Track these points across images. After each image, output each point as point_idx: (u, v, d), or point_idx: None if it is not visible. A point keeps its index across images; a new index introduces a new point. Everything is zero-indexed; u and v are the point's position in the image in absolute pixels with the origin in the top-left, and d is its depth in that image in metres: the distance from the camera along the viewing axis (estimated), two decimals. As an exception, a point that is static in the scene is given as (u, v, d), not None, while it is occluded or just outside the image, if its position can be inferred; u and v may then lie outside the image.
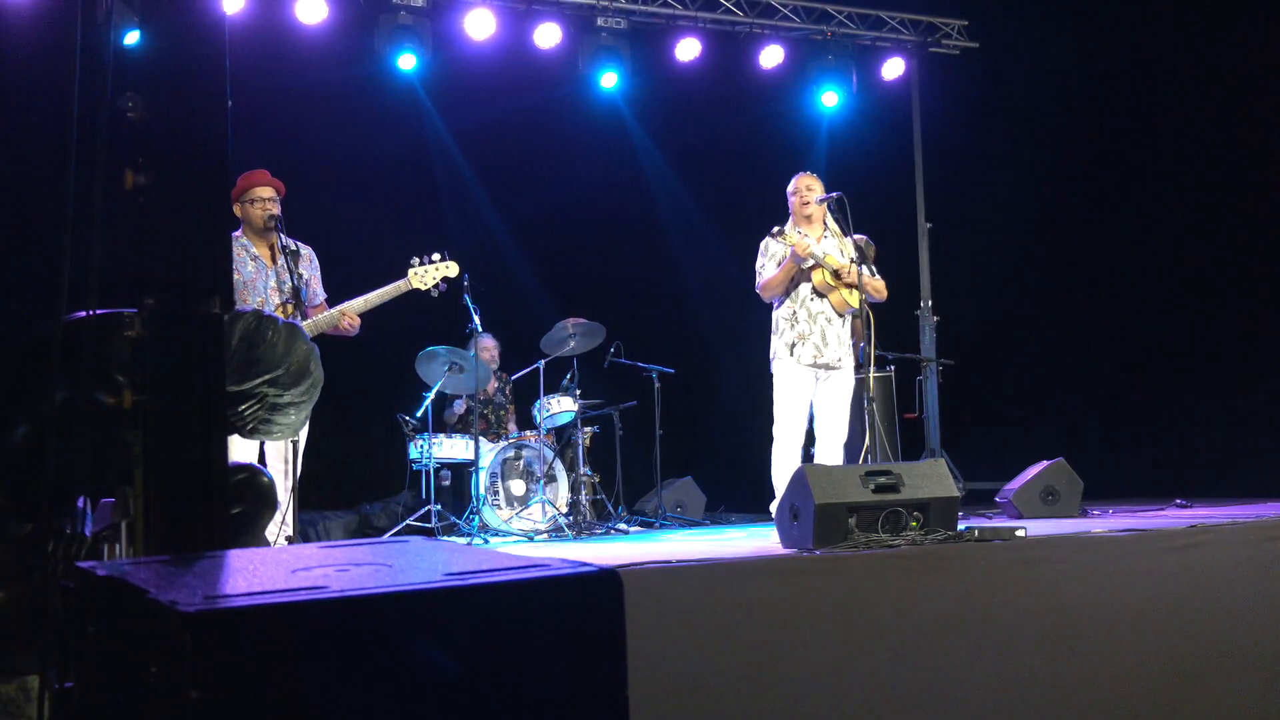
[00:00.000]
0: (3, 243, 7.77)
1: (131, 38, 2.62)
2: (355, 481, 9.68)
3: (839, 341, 6.95)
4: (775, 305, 7.06)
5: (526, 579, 1.66)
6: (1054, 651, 4.70)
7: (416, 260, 6.82)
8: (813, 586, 4.38)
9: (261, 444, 5.79)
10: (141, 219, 2.47)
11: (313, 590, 1.63)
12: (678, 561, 4.34)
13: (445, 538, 7.85)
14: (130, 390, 2.51)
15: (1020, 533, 5.11)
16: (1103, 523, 6.03)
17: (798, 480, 5.08)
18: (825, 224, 7.08)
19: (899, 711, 4.38)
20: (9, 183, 7.60)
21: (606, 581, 1.70)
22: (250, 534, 3.17)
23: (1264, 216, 11.30)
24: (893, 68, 11.14)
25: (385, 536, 7.94)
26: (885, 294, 7.12)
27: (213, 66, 2.56)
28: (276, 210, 6.30)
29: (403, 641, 1.58)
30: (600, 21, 10.06)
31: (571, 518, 8.43)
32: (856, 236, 7.06)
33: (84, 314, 2.69)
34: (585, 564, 1.75)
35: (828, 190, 7.04)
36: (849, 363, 7.01)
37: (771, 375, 7.07)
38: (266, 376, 3.23)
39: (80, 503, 2.66)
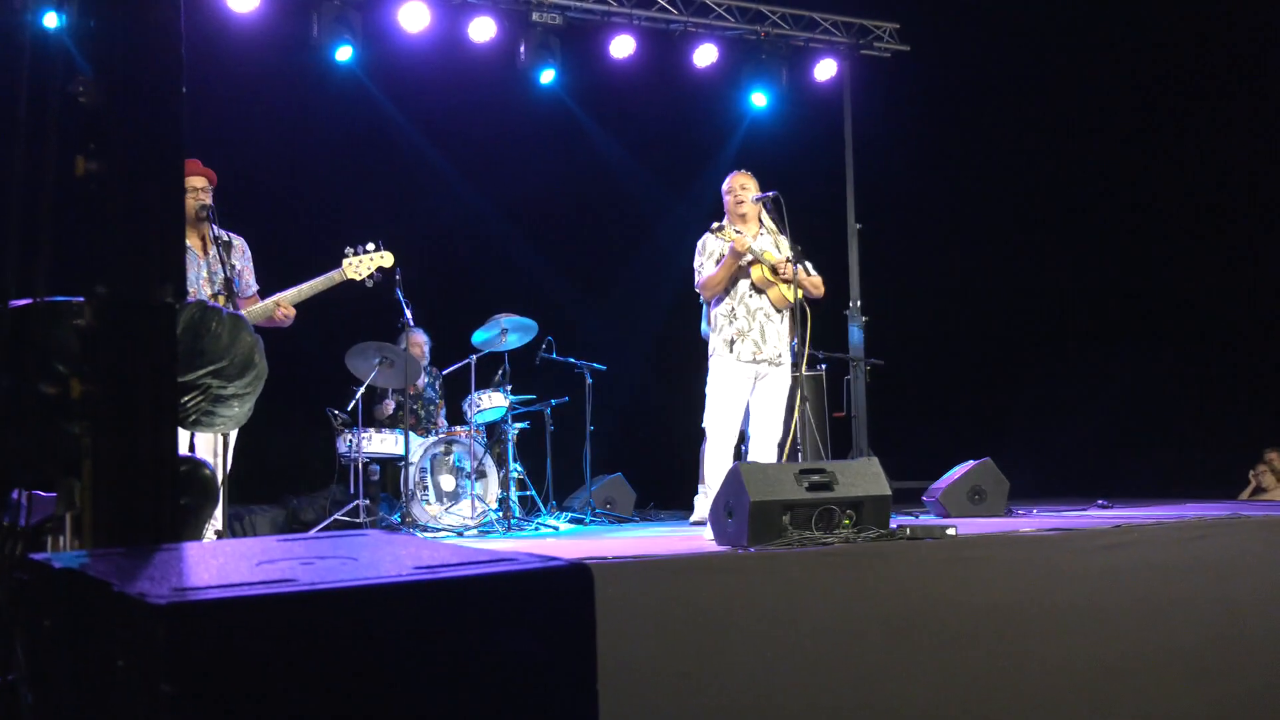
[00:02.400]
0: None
1: (82, 20, 2.55)
2: (282, 476, 9.57)
3: (778, 337, 6.98)
4: (714, 303, 7.07)
5: (497, 573, 1.66)
6: (985, 648, 4.76)
7: (351, 250, 6.77)
8: (748, 584, 4.40)
9: (191, 436, 5.71)
10: (93, 206, 2.43)
11: (282, 583, 1.61)
12: (612, 558, 4.32)
13: (374, 530, 7.79)
14: (78, 380, 2.46)
15: (951, 531, 5.15)
16: (1029, 522, 6.11)
17: (733, 478, 5.09)
18: (760, 221, 7.10)
19: (834, 708, 4.42)
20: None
21: (577, 576, 1.70)
22: (193, 527, 3.14)
23: (1187, 220, 11.55)
24: (825, 69, 11.22)
25: (314, 531, 7.89)
26: (822, 290, 7.15)
27: (168, 50, 2.52)
28: (208, 200, 6.21)
29: (375, 635, 1.57)
30: (535, 17, 10.04)
31: (501, 513, 8.40)
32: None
33: (27, 301, 2.65)
34: (554, 558, 1.75)
35: (762, 189, 7.07)
36: (787, 359, 7.03)
37: (708, 371, 7.06)
38: (211, 368, 3.19)
39: (16, 495, 2.61)
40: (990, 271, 11.67)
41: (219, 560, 1.88)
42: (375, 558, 1.87)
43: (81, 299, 2.50)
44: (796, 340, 7.09)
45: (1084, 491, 8.44)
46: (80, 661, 1.80)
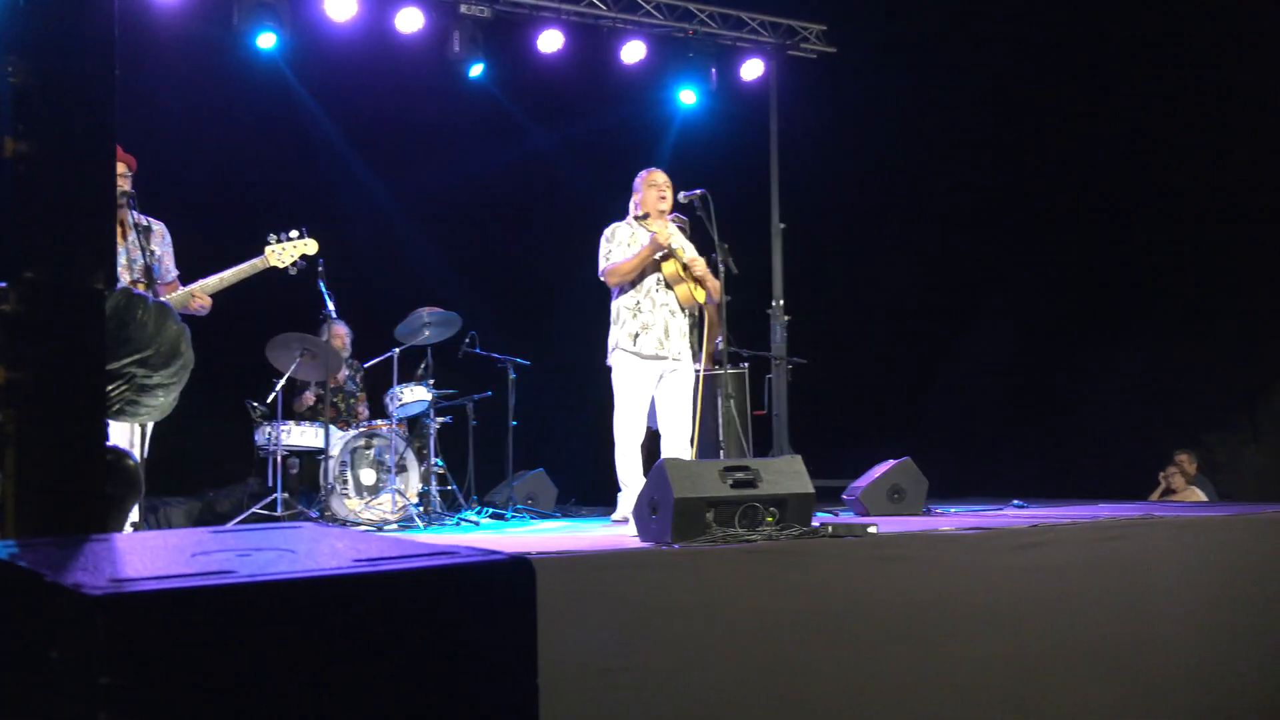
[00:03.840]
0: None
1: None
2: (198, 467, 9.44)
3: (681, 335, 6.96)
4: (616, 294, 7.03)
5: (438, 565, 1.65)
6: (907, 644, 4.82)
7: (274, 237, 6.71)
8: (671, 580, 4.42)
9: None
10: (21, 188, 2.38)
11: (220, 575, 1.59)
12: (537, 553, 4.32)
13: (309, 523, 7.72)
14: (2, 367, 2.42)
15: (872, 529, 5.19)
16: (948, 521, 6.18)
17: (658, 475, 5.10)
18: (669, 220, 7.07)
19: (756, 703, 4.45)
20: None
21: (518, 569, 1.70)
22: (116, 518, 3.09)
23: (1105, 223, 11.76)
24: (752, 68, 11.27)
25: (231, 524, 7.80)
26: (720, 295, 7.13)
27: (100, 31, 2.47)
28: (127, 186, 6.11)
29: (317, 627, 1.56)
30: (464, 9, 9.99)
31: (422, 508, 8.38)
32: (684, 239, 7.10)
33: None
34: (496, 551, 1.74)
35: (689, 187, 7.05)
36: (689, 357, 7.00)
37: (609, 368, 7.06)
38: (136, 356, 3.14)
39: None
40: (912, 272, 11.81)
41: (153, 552, 1.85)
42: (313, 550, 1.85)
43: (5, 284, 2.46)
44: (720, 339, 7.12)
45: (1000, 490, 8.56)
46: (9, 653, 1.77)
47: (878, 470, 7.06)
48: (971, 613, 5.03)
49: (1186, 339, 11.84)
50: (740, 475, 5.13)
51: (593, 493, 10.11)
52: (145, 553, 1.83)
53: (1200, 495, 11.87)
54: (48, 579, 1.57)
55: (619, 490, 7.04)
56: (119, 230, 6.11)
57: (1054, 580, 5.31)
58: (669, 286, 6.89)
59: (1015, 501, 7.77)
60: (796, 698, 4.55)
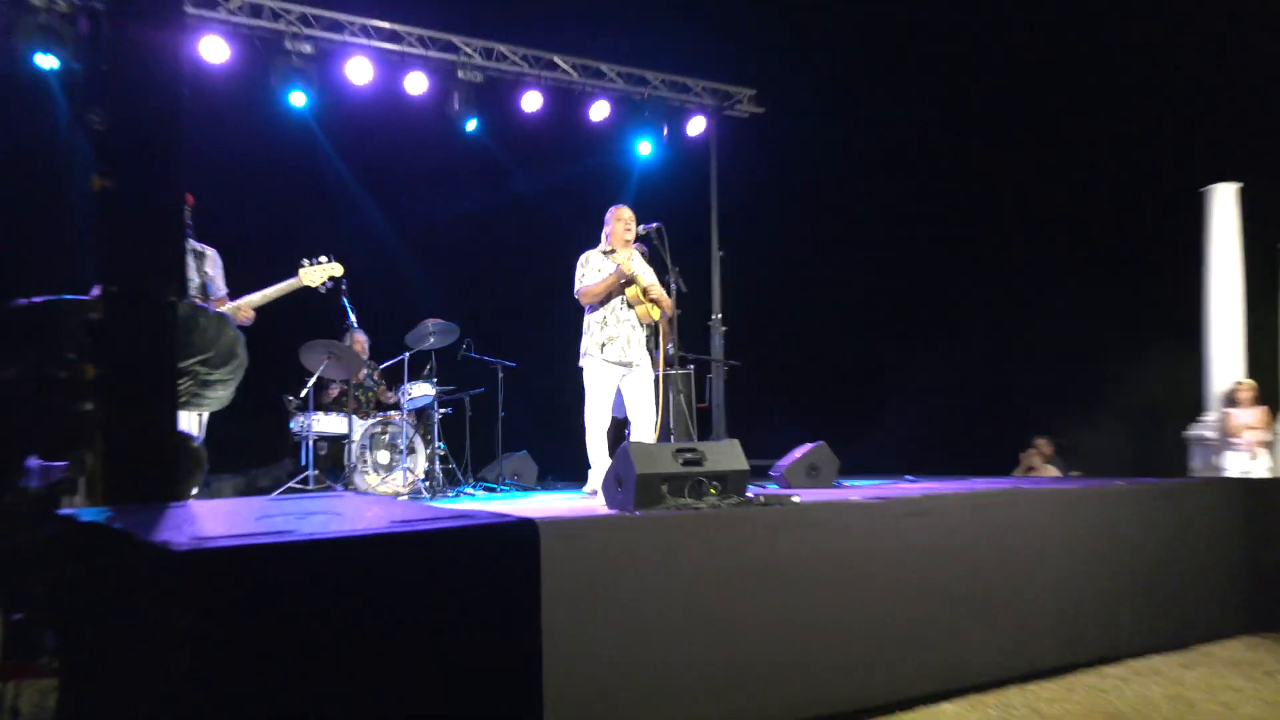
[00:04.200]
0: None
1: (97, 63, 2.50)
2: (243, 450, 9.37)
3: (639, 344, 7.01)
4: (589, 310, 7.04)
5: (461, 525, 1.67)
6: (821, 589, 4.87)
7: (307, 261, 6.69)
8: (634, 540, 4.45)
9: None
10: (106, 217, 2.38)
11: (283, 534, 1.59)
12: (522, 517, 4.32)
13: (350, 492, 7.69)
14: (90, 365, 2.41)
15: (795, 499, 5.22)
16: (854, 492, 6.20)
17: (623, 455, 5.12)
18: (634, 250, 7.13)
19: (702, 636, 4.49)
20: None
21: (525, 529, 1.72)
22: (184, 490, 3.08)
23: (984, 249, 11.94)
24: (696, 125, 11.33)
25: (272, 496, 7.75)
26: (672, 311, 7.19)
27: (171, 85, 2.48)
28: (185, 218, 6.08)
29: (362, 576, 1.57)
30: (460, 75, 9.98)
31: (428, 482, 8.35)
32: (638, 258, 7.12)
33: (36, 300, 2.59)
34: (506, 514, 1.76)
35: (645, 222, 7.11)
36: (646, 361, 7.05)
37: (581, 370, 7.06)
38: (199, 357, 3.14)
39: (31, 463, 2.55)
40: (827, 291, 11.90)
41: (224, 515, 1.86)
42: (356, 514, 1.86)
43: (92, 297, 2.46)
44: (671, 345, 7.15)
45: (895, 467, 8.62)
46: (103, 602, 1.76)
47: (798, 451, 7.07)
48: (873, 565, 5.08)
49: (1043, 350, 12.06)
50: (689, 455, 5.15)
51: (567, 471, 10.09)
52: (217, 516, 1.83)
53: (1054, 472, 12.05)
54: (139, 538, 1.58)
55: (589, 468, 7.06)
56: (179, 254, 6.07)
57: (939, 539, 5.36)
58: (630, 306, 6.95)
59: (907, 476, 7.82)
60: (734, 631, 4.59)
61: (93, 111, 2.45)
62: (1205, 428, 12.09)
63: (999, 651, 5.51)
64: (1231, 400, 11.38)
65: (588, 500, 6.62)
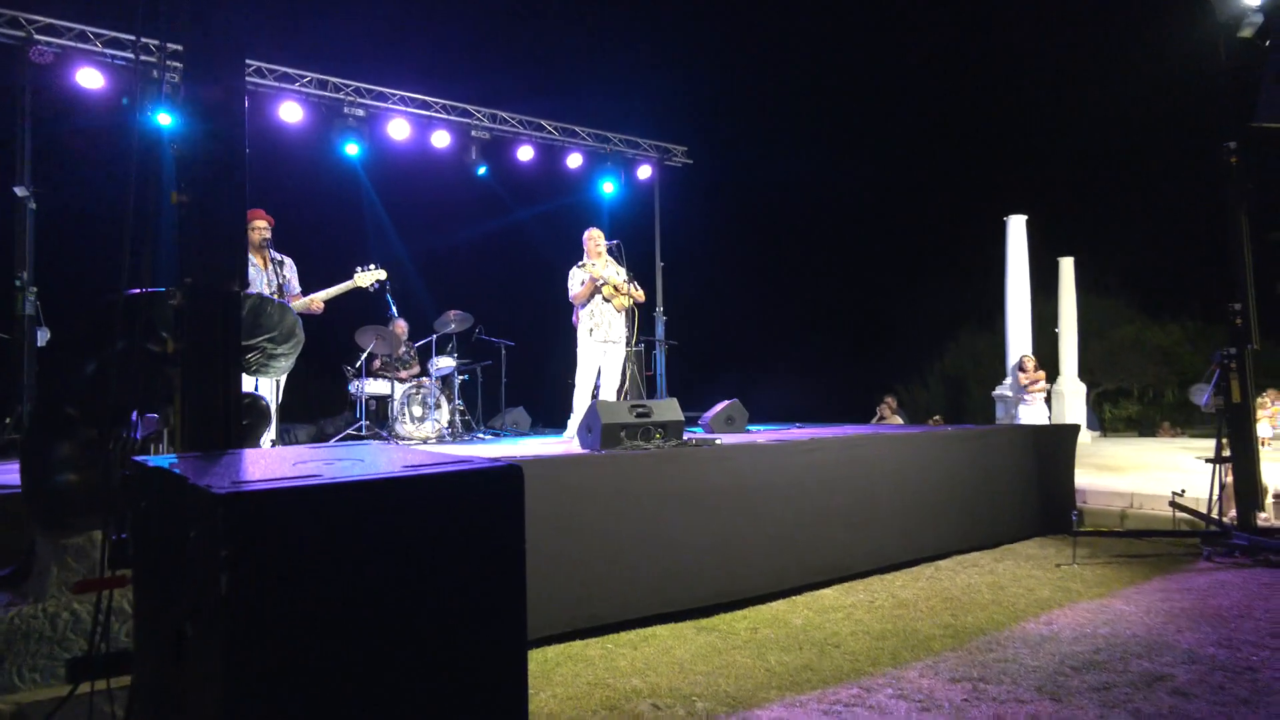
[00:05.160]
0: (79, 242, 7.04)
1: (180, 105, 2.26)
2: (315, 405, 9.13)
3: (618, 327, 6.89)
4: (581, 306, 6.91)
5: (461, 470, 1.49)
6: (738, 511, 4.78)
7: (360, 268, 6.42)
8: (601, 472, 4.34)
9: (256, 381, 5.34)
10: (185, 225, 2.16)
11: (311, 478, 1.43)
12: (520, 457, 4.20)
13: (374, 441, 7.46)
14: (172, 340, 2.19)
15: (718, 442, 5.13)
16: (761, 436, 6.11)
17: (592, 410, 4.99)
18: (606, 257, 6.98)
19: (650, 545, 4.37)
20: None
21: (513, 472, 1.53)
22: (253, 438, 2.87)
23: (855, 265, 11.89)
24: (644, 172, 11.13)
25: (334, 440, 7.49)
26: (644, 299, 7.06)
27: (234, 126, 2.24)
28: (268, 235, 5.83)
29: (377, 513, 1.39)
30: (474, 134, 9.69)
31: (450, 430, 8.13)
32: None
33: (138, 290, 2.37)
34: (498, 460, 1.58)
35: (608, 239, 6.98)
36: (624, 340, 6.92)
37: (576, 347, 6.93)
38: (266, 336, 2.94)
39: (133, 416, 2.34)
40: (740, 291, 11.86)
41: (266, 462, 1.66)
42: (375, 460, 1.67)
43: (175, 287, 2.24)
44: (629, 329, 7.00)
45: (787, 418, 8.54)
46: (165, 531, 1.57)
47: (718, 406, 6.99)
48: (775, 492, 5.00)
49: (890, 333, 12.07)
50: (641, 410, 5.03)
51: (551, 420, 9.92)
52: (261, 463, 1.64)
53: (900, 420, 12.01)
54: (190, 481, 1.39)
55: (568, 417, 6.90)
56: (263, 262, 5.79)
57: (823, 472, 5.28)
58: (608, 300, 6.82)
59: (796, 424, 7.73)
60: (674, 540, 4.48)
61: (174, 141, 2.21)
62: (1004, 389, 12.14)
63: (865, 552, 5.45)
64: (1022, 368, 11.41)
65: (567, 443, 6.46)
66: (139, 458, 1.74)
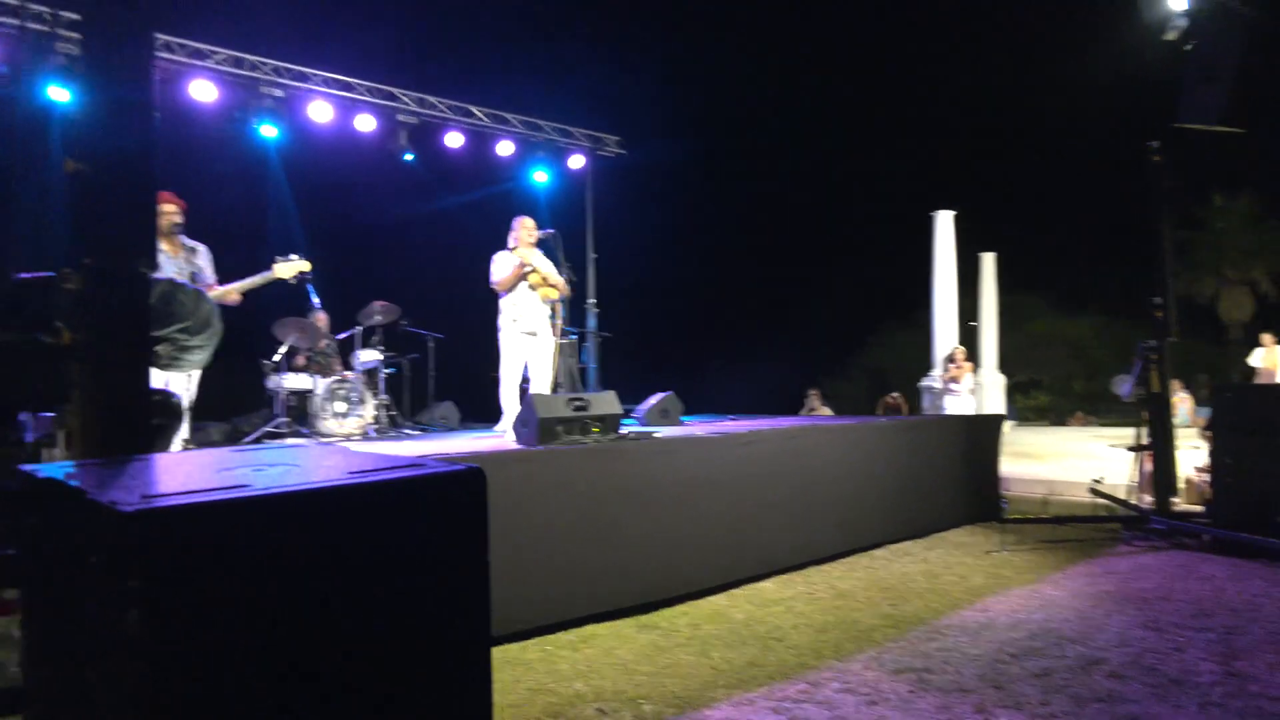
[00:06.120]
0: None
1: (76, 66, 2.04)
2: (229, 402, 8.66)
3: (542, 318, 6.69)
4: (503, 295, 6.68)
5: (415, 475, 1.33)
6: (677, 505, 4.72)
7: (280, 258, 6.10)
8: (539, 468, 4.23)
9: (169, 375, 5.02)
10: (82, 197, 1.93)
11: (239, 489, 1.23)
12: (454, 454, 4.03)
13: (291, 440, 7.12)
14: (68, 330, 1.97)
15: (657, 435, 5.06)
16: (698, 428, 6.06)
17: (528, 403, 4.86)
18: (536, 249, 6.78)
19: (589, 537, 4.27)
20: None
21: (474, 475, 1.39)
22: (164, 440, 2.64)
23: (784, 262, 11.99)
24: (576, 161, 10.98)
25: (249, 438, 7.14)
26: (570, 293, 6.88)
27: (139, 85, 2.01)
28: (179, 220, 5.50)
29: (320, 529, 1.21)
30: (400, 118, 9.38)
31: (376, 427, 7.85)
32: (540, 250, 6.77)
33: (27, 275, 2.14)
34: (456, 463, 1.43)
35: (541, 229, 6.80)
36: (547, 331, 6.73)
37: (498, 338, 6.71)
38: (179, 326, 2.70)
39: (21, 417, 2.11)
40: (673, 283, 11.84)
41: (182, 469, 1.45)
42: (314, 465, 1.49)
43: (70, 270, 2.01)
44: (562, 321, 6.85)
45: (722, 410, 8.52)
46: (57, 556, 1.34)
47: (653, 399, 6.91)
48: (714, 484, 4.96)
49: (818, 327, 12.23)
50: (578, 403, 4.92)
51: (482, 416, 9.69)
52: (177, 471, 1.43)
53: (829, 412, 12.17)
54: (89, 496, 1.17)
55: (501, 414, 6.71)
56: (173, 248, 5.45)
57: (761, 463, 5.27)
58: (534, 289, 6.61)
59: (728, 416, 7.71)
60: (614, 535, 4.39)
61: (71, 107, 2.00)
62: (931, 380, 12.41)
63: (803, 543, 5.45)
64: (952, 359, 11.67)
65: (500, 439, 6.27)
66: (27, 467, 1.50)
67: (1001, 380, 14.06)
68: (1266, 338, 11.34)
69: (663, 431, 5.54)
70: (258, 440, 6.97)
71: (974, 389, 11.46)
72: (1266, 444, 5.69)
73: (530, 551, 4.06)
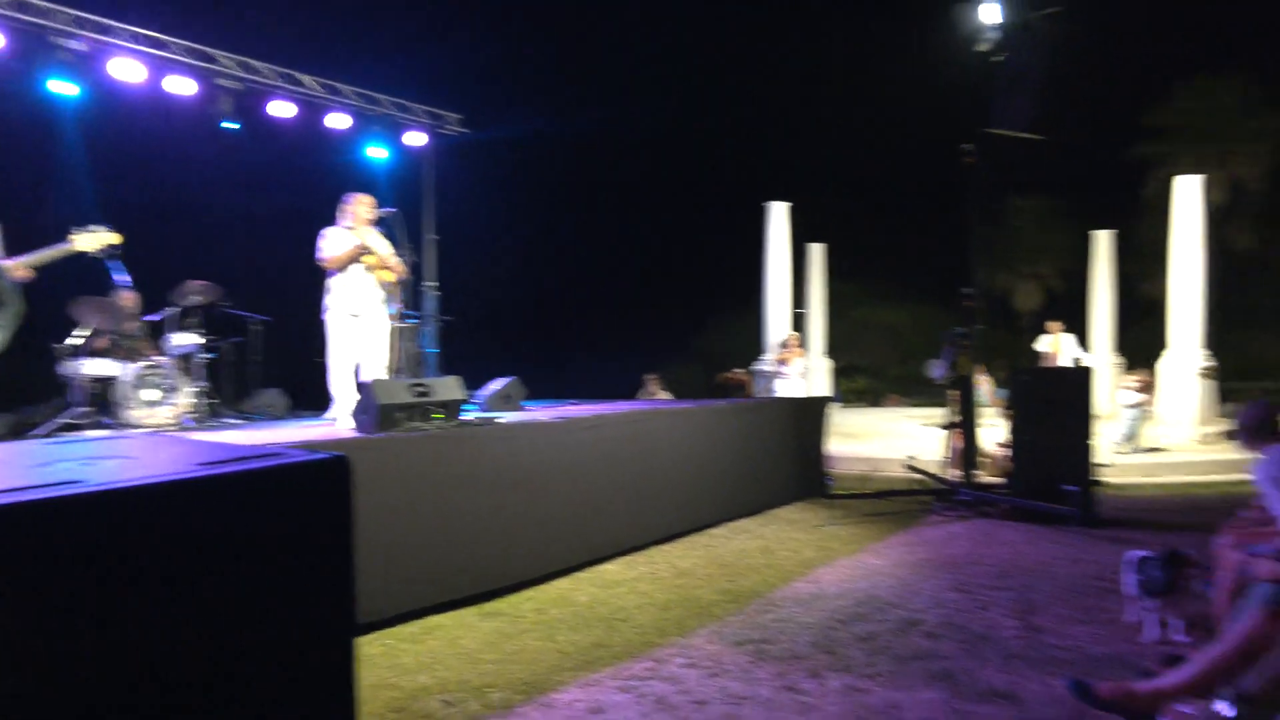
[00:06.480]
0: None
1: None
2: (15, 391, 7.74)
3: (375, 302, 6.32)
4: (333, 274, 6.26)
5: (274, 466, 1.23)
6: (521, 491, 4.70)
7: (77, 229, 5.51)
8: (377, 457, 4.09)
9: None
10: None
11: (68, 486, 1.08)
12: (294, 442, 3.80)
13: (94, 432, 6.48)
14: None
15: (500, 421, 5.00)
16: (542, 414, 6.03)
17: (366, 389, 4.68)
18: (372, 226, 6.45)
19: (436, 531, 4.18)
20: None
21: (338, 464, 1.31)
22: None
23: (621, 247, 12.12)
24: (416, 138, 10.59)
25: (42, 429, 6.45)
26: (408, 275, 6.59)
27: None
28: None
29: (169, 527, 1.09)
30: (220, 82, 8.70)
31: (193, 416, 7.26)
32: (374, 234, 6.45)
33: None
34: (318, 452, 1.33)
35: (381, 207, 6.47)
36: (381, 315, 6.37)
37: (324, 322, 6.30)
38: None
39: None
40: (517, 267, 11.71)
41: (-6, 462, 1.28)
42: (156, 457, 1.35)
43: None
44: (400, 305, 6.58)
45: (558, 395, 8.50)
46: None
47: (496, 384, 6.81)
48: (557, 468, 4.98)
49: (654, 313, 12.47)
50: (419, 389, 4.78)
51: (313, 403, 9.20)
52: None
53: (668, 396, 12.45)
54: None
55: (331, 401, 6.37)
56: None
57: (605, 448, 5.33)
58: (369, 271, 6.29)
59: (570, 401, 7.72)
60: (454, 525, 4.33)
61: None
62: (763, 364, 12.95)
63: (645, 524, 5.56)
64: (785, 344, 12.18)
65: (331, 426, 5.98)
66: None
67: (827, 364, 14.89)
68: (1052, 325, 12.62)
69: (506, 417, 5.48)
70: (54, 432, 6.30)
71: (804, 372, 12.07)
72: (1055, 421, 6.36)
73: (370, 543, 3.90)
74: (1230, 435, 3.75)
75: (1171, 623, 3.57)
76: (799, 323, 14.26)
